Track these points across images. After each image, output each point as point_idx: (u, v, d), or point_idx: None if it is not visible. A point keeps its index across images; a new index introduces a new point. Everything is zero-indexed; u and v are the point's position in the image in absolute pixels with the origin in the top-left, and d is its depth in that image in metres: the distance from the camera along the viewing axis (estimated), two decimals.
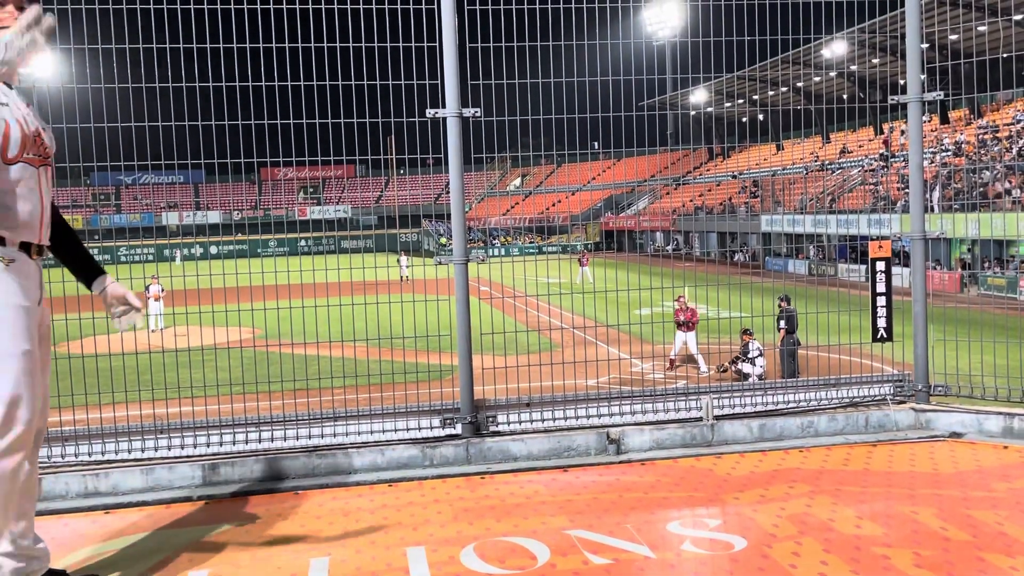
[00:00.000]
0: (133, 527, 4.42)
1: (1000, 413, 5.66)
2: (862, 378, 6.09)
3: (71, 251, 3.81)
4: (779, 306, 16.40)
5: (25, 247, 3.39)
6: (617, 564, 3.77)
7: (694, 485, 4.88)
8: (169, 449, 5.17)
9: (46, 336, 3.58)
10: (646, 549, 3.92)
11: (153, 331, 23.05)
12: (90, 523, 4.50)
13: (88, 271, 3.80)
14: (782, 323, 16.53)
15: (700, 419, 5.66)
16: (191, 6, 5.24)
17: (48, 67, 5.38)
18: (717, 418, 5.68)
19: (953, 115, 46.83)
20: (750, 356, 16.87)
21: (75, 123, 5.30)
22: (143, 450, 5.13)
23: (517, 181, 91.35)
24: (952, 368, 6.02)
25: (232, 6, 5.30)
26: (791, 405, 5.90)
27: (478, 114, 5.41)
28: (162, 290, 23.77)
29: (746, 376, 16.63)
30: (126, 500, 4.80)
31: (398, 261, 27.20)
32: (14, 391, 3.23)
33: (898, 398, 6.02)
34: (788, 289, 17.00)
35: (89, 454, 5.08)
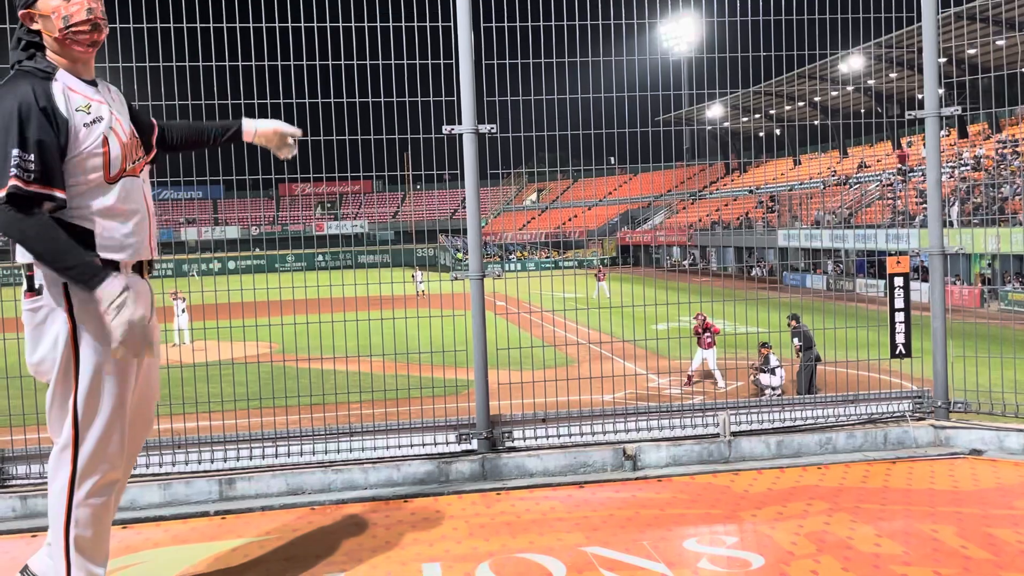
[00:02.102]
0: (150, 542, 4.43)
1: (1021, 430, 5.60)
2: (881, 394, 6.04)
3: (200, 135, 3.91)
4: (789, 325, 16.30)
5: (138, 267, 3.37)
6: None
7: (711, 502, 4.85)
8: (186, 464, 5.19)
9: (154, 351, 3.58)
10: (663, 567, 3.90)
11: (174, 345, 23.18)
12: None
13: (229, 131, 3.90)
14: (796, 341, 16.43)
15: (717, 435, 5.63)
16: (210, 25, 5.30)
17: None
18: (734, 434, 5.65)
19: (972, 129, 46.61)
20: (770, 367, 16.80)
21: None
22: (160, 465, 5.15)
23: (533, 196, 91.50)
24: (972, 384, 5.97)
25: (251, 24, 5.36)
26: (809, 422, 5.86)
27: (494, 130, 5.43)
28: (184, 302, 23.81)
29: (764, 389, 16.54)
30: (144, 515, 4.82)
31: (413, 277, 27.28)
32: (107, 431, 3.25)
33: (917, 415, 5.96)
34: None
35: None
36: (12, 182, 2.99)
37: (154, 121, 3.71)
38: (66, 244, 3.08)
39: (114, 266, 3.24)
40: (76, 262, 3.07)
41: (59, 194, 3.09)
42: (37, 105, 3.07)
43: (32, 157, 3.03)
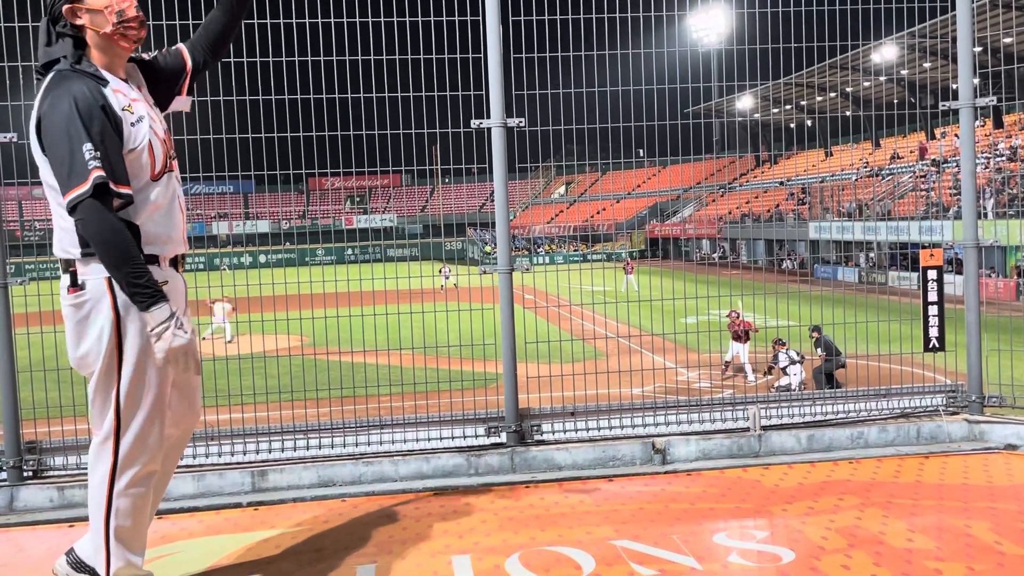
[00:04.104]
0: (184, 532, 4.50)
1: None
2: (914, 388, 5.98)
3: (214, 25, 3.70)
4: (811, 337, 16.08)
5: (173, 262, 3.42)
6: (663, 575, 3.75)
7: (741, 496, 4.83)
8: (219, 456, 5.26)
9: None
10: (692, 560, 3.89)
11: (225, 341, 23.19)
12: None
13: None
14: (820, 351, 16.20)
15: (747, 429, 5.60)
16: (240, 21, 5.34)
17: None
18: (764, 428, 5.62)
19: (1008, 119, 45.83)
20: (781, 366, 16.56)
21: None
22: (194, 456, 5.22)
23: (561, 189, 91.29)
24: (1007, 378, 5.89)
25: (281, 20, 5.39)
26: (840, 416, 5.82)
27: (522, 124, 5.43)
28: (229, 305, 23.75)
29: (787, 387, 16.34)
30: (178, 506, 4.89)
31: (440, 271, 27.26)
32: (147, 423, 3.30)
33: (951, 409, 5.90)
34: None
35: None
36: (97, 172, 3.00)
37: (184, 53, 3.65)
38: (138, 257, 3.10)
39: (155, 260, 3.29)
40: (142, 279, 3.08)
41: (128, 191, 3.13)
42: (97, 104, 3.09)
43: (99, 154, 3.04)
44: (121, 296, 3.18)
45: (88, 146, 3.02)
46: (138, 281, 3.07)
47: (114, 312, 3.20)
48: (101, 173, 3.01)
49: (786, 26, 6.15)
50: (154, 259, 3.29)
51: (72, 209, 3.03)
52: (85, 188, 2.99)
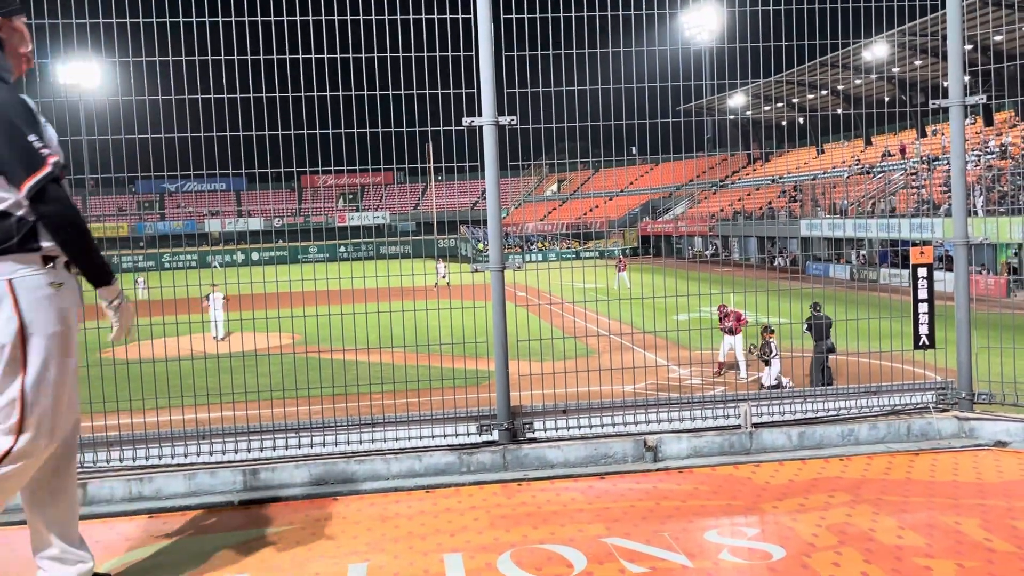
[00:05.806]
0: (176, 531, 4.49)
1: None
2: (904, 386, 6.00)
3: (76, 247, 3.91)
4: (814, 311, 16.14)
5: (67, 265, 3.43)
6: (654, 572, 3.76)
7: (732, 493, 4.84)
8: (211, 454, 5.25)
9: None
10: (683, 558, 3.90)
11: (214, 338, 23.02)
12: (134, 527, 4.58)
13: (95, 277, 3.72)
14: (804, 328, 16.20)
15: (738, 427, 5.62)
16: (232, 19, 5.33)
17: (95, 79, 5.51)
18: (756, 426, 5.64)
19: (998, 117, 46.03)
20: (763, 357, 16.56)
21: (120, 133, 5.42)
22: (186, 455, 5.21)
23: (554, 187, 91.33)
24: (997, 375, 5.92)
25: (272, 18, 5.38)
26: (831, 413, 5.84)
27: (514, 122, 5.43)
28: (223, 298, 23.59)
29: (777, 385, 16.33)
30: (169, 504, 4.88)
31: (436, 269, 27.24)
32: (45, 418, 3.31)
33: (941, 406, 5.92)
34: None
35: (133, 459, 5.17)
36: (53, 158, 3.16)
37: (24, 187, 3.41)
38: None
39: (51, 261, 3.32)
40: (102, 257, 3.27)
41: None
42: (34, 107, 3.29)
43: (45, 144, 3.23)
44: (23, 297, 3.21)
45: (34, 136, 3.17)
46: (102, 260, 3.28)
47: (16, 310, 3.21)
48: (57, 158, 3.17)
49: (777, 24, 6.16)
50: (51, 259, 3.31)
51: (37, 195, 3.12)
52: (47, 171, 3.13)
